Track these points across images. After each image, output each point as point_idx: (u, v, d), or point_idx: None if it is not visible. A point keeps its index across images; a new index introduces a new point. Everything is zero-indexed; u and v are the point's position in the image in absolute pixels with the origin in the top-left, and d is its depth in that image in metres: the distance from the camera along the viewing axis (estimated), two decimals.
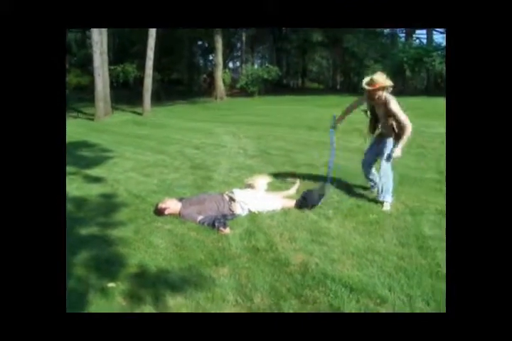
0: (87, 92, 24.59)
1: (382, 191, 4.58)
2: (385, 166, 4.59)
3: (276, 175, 5.91)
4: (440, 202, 4.44)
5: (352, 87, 26.60)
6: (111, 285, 2.97)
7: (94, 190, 5.62)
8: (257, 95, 25.83)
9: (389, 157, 4.56)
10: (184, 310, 2.67)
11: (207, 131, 11.96)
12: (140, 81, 22.02)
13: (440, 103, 10.81)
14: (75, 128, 13.97)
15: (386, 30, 31.48)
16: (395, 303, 2.66)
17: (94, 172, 6.91)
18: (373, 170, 4.91)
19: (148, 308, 2.70)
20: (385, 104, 4.41)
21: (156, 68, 21.02)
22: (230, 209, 4.42)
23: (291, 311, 2.63)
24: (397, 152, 4.46)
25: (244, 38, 33.41)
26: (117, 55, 29.10)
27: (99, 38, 18.07)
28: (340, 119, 5.04)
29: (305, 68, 38.76)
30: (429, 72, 24.22)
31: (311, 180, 5.63)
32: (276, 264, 3.25)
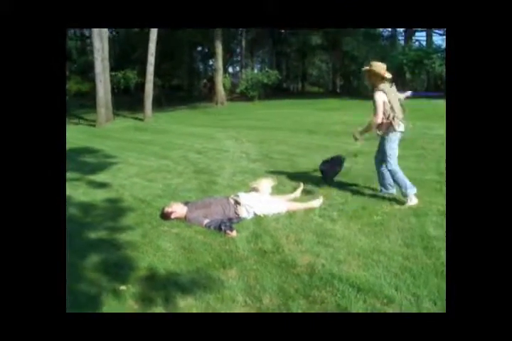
0: (88, 99, 24.71)
1: (401, 187, 4.73)
2: (388, 164, 4.73)
3: (279, 179, 5.96)
4: (443, 203, 4.48)
5: (352, 91, 26.68)
6: (122, 288, 3.02)
7: (100, 196, 5.67)
8: (257, 99, 25.88)
9: (383, 154, 4.72)
10: (195, 311, 2.72)
11: (208, 135, 12.03)
12: (141, 87, 22.09)
13: (440, 105, 10.88)
14: (76, 135, 14.04)
15: (386, 33, 31.64)
16: (402, 303, 2.69)
17: (99, 178, 6.97)
18: (384, 170, 4.97)
19: (159, 310, 2.75)
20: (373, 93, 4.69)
21: (156, 74, 21.10)
22: (236, 213, 4.48)
23: (299, 311, 2.67)
24: (355, 133, 4.89)
25: (243, 43, 33.52)
26: (118, 61, 29.18)
27: (100, 45, 18.18)
28: None
29: (305, 72, 38.84)
30: (429, 74, 24.31)
31: (315, 183, 5.67)
32: (284, 266, 3.30)
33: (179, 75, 34.37)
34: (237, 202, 4.55)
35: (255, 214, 4.49)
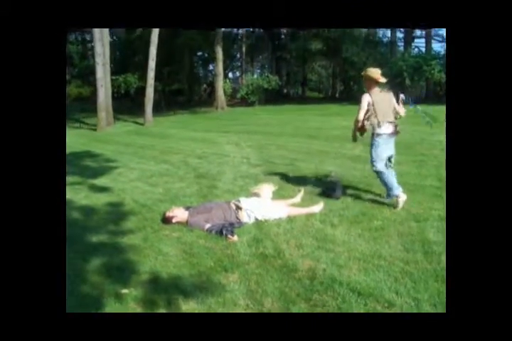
0: (88, 103, 24.79)
1: (386, 189, 4.92)
2: (373, 166, 4.90)
3: (280, 184, 5.99)
4: (443, 208, 4.51)
5: (352, 96, 26.72)
6: (124, 291, 3.04)
7: (101, 200, 5.70)
8: (258, 105, 25.97)
9: (370, 156, 4.91)
10: None
11: (209, 140, 12.07)
12: (141, 91, 22.18)
13: (440, 111, 10.91)
14: (77, 139, 14.09)
15: (385, 39, 31.78)
16: (403, 307, 2.72)
17: (100, 182, 6.99)
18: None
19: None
20: None
21: (156, 78, 21.18)
22: (237, 218, 4.50)
23: None
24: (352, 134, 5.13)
25: (244, 48, 33.64)
26: (118, 65, 29.28)
27: (101, 50, 18.26)
28: None
29: (305, 77, 38.93)
30: (429, 80, 24.35)
31: (316, 188, 5.70)
32: (285, 270, 3.32)
33: (179, 80, 34.45)
34: (238, 207, 4.58)
35: (256, 219, 4.52)
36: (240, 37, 34.81)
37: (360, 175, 6.31)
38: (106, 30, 19.40)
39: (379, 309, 2.72)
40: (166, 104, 26.95)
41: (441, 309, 2.65)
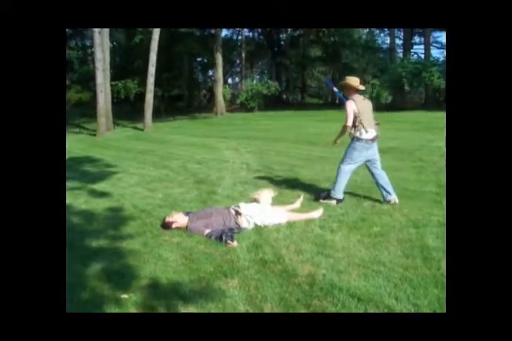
0: (88, 108, 24.84)
1: (333, 187, 5.31)
2: (340, 163, 5.28)
3: (280, 189, 6.00)
4: (442, 214, 4.52)
5: None
6: (124, 296, 3.04)
7: (101, 205, 5.70)
8: (257, 110, 26.04)
9: (343, 155, 5.28)
10: None
11: (209, 146, 12.09)
12: (141, 97, 22.24)
13: (439, 117, 10.96)
14: (77, 144, 14.12)
15: (384, 45, 31.91)
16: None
17: (100, 187, 7.01)
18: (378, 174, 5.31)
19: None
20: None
21: (156, 84, 21.25)
22: (237, 223, 4.50)
23: None
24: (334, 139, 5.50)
25: (243, 54, 33.79)
26: (118, 71, 29.38)
27: (102, 55, 18.35)
28: None
29: (304, 83, 39.08)
30: (428, 86, 24.43)
31: (315, 194, 5.70)
32: (285, 275, 3.32)
33: (179, 86, 34.58)
34: (237, 213, 4.58)
35: (256, 225, 4.52)
36: (239, 43, 34.96)
37: (360, 180, 6.32)
38: (106, 36, 19.51)
39: None
40: (165, 109, 27.02)
41: None
